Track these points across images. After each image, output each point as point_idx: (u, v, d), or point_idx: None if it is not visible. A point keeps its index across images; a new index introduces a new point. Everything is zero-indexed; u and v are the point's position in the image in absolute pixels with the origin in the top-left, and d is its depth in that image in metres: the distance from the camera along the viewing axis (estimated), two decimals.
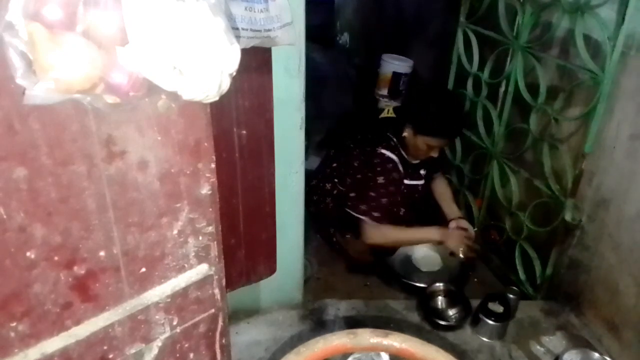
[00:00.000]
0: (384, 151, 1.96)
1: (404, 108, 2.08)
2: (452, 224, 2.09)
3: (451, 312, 1.68)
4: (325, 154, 2.29)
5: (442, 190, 2.24)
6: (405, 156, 2.02)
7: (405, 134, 1.93)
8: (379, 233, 1.97)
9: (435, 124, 1.88)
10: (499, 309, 1.63)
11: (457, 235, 1.99)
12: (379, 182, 1.94)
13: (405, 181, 2.04)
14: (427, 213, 2.25)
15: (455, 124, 1.94)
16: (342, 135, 2.19)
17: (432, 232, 2.00)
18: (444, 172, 2.33)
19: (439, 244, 2.00)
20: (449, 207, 2.18)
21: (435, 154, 1.97)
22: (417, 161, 2.06)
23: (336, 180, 2.10)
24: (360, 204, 1.95)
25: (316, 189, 2.14)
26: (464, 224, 2.09)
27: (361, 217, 1.95)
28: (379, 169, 1.94)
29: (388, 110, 2.09)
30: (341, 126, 2.43)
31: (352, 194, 2.01)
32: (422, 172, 2.11)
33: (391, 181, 1.95)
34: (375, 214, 1.94)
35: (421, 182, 2.12)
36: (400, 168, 1.99)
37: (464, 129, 2.11)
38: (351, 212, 1.97)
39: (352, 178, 2.04)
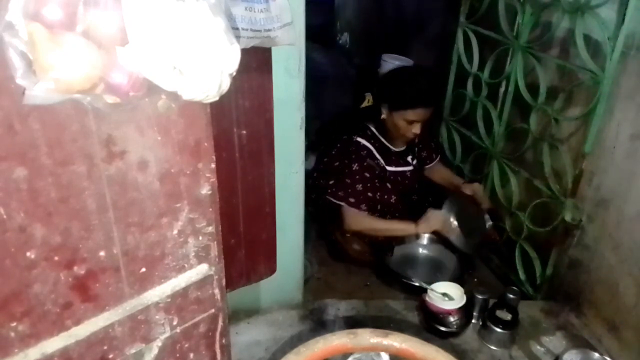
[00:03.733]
0: (359, 139, 2.03)
1: (378, 92, 2.09)
2: (465, 187, 2.15)
3: (452, 319, 1.67)
4: (319, 151, 2.31)
5: (442, 173, 2.28)
6: (387, 143, 2.07)
7: (383, 115, 1.98)
8: (355, 219, 2.00)
9: (405, 94, 1.92)
10: (507, 316, 1.60)
11: (433, 217, 1.98)
12: (353, 168, 1.99)
13: (389, 168, 2.08)
14: (419, 201, 2.27)
15: (425, 90, 1.94)
16: (333, 131, 2.21)
17: (408, 226, 2.01)
18: (443, 161, 2.36)
19: (416, 237, 2.04)
20: (454, 177, 2.24)
21: (417, 130, 1.96)
22: (402, 148, 2.10)
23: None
24: (338, 191, 2.00)
25: (313, 187, 2.15)
26: (478, 189, 2.12)
27: (339, 202, 2.00)
28: (353, 156, 2.01)
29: (368, 100, 2.11)
30: (332, 123, 2.45)
31: (330, 182, 2.06)
32: (409, 159, 2.12)
33: (365, 168, 2.00)
34: (352, 200, 1.98)
35: (409, 168, 2.14)
36: (377, 155, 2.04)
37: (462, 130, 2.13)
38: (330, 199, 2.01)
39: (331, 166, 2.09)
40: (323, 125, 2.51)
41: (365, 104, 2.13)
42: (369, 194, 2.00)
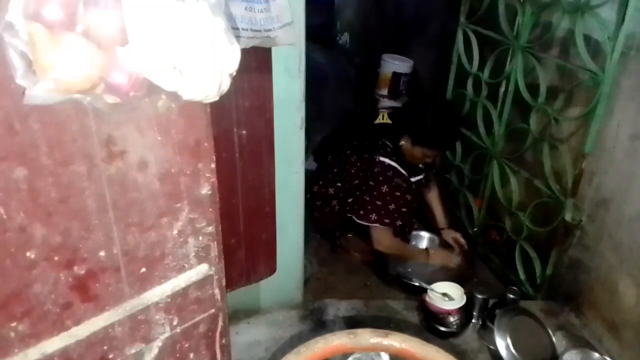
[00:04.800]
0: (382, 159, 2.00)
1: (399, 115, 2.08)
2: (445, 235, 2.23)
3: (452, 319, 1.67)
4: (323, 161, 2.29)
5: (432, 193, 2.29)
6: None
7: (402, 142, 1.97)
8: (390, 243, 2.04)
9: (433, 137, 1.93)
10: None
11: (441, 256, 2.13)
12: (383, 190, 1.97)
13: (412, 179, 2.08)
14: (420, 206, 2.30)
15: (452, 136, 2.03)
16: (339, 142, 2.21)
17: (422, 255, 2.13)
18: (437, 173, 2.38)
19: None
20: (439, 215, 2.28)
21: (429, 160, 2.06)
22: None
23: (339, 184, 2.12)
24: (369, 214, 1.97)
25: (319, 194, 2.14)
26: (456, 236, 2.19)
27: (372, 225, 1.98)
28: (380, 178, 1.98)
29: (383, 116, 2.10)
30: (338, 132, 2.44)
31: (350, 200, 2.05)
32: (420, 165, 2.13)
33: (395, 187, 1.99)
34: (386, 220, 1.98)
35: (422, 175, 2.16)
36: (402, 171, 2.02)
37: (462, 129, 2.15)
38: (360, 222, 1.99)
39: (350, 184, 2.07)
40: (327, 135, 2.50)
41: (379, 120, 2.12)
42: (403, 209, 2.00)
